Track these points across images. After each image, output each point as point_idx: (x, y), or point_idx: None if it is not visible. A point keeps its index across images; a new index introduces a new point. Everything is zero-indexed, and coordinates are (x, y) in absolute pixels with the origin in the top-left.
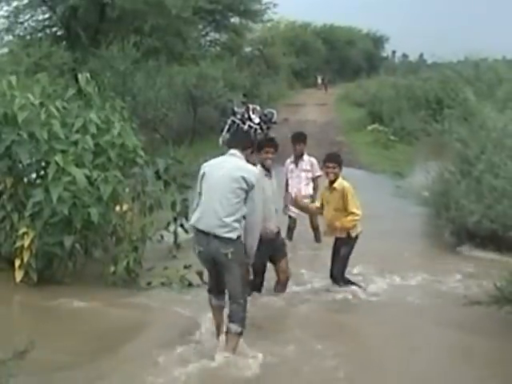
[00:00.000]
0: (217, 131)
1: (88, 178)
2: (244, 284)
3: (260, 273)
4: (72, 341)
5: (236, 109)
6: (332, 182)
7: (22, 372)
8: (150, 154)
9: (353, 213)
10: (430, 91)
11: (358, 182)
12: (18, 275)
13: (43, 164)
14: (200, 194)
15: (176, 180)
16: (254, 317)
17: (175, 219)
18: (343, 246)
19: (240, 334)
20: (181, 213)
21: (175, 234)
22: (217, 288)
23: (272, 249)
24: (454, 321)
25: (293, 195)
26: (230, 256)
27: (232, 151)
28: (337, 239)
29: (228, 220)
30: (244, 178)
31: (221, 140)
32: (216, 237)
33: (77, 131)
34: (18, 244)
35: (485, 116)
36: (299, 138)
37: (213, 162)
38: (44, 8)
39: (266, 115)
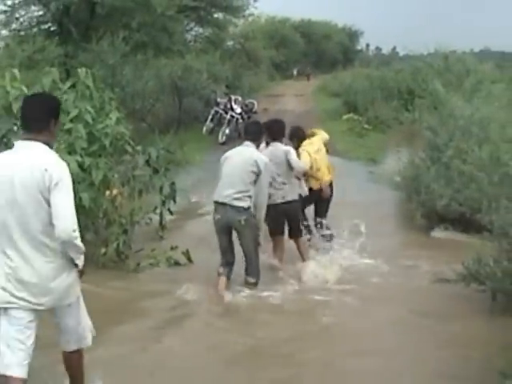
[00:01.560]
0: (201, 120)
1: (80, 164)
2: (255, 245)
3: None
4: None
5: (219, 99)
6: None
7: None
8: (138, 142)
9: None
10: (401, 82)
11: (335, 168)
12: None
13: None
14: (221, 176)
15: (163, 167)
16: None
17: (163, 202)
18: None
19: (255, 283)
20: (168, 196)
21: (161, 215)
22: (225, 259)
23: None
24: (422, 299)
25: None
26: (242, 222)
27: (246, 142)
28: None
29: (241, 195)
30: (257, 163)
31: (204, 129)
32: (232, 207)
33: (71, 120)
34: None
35: (453, 105)
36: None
37: (233, 150)
38: (38, 5)
39: (247, 105)
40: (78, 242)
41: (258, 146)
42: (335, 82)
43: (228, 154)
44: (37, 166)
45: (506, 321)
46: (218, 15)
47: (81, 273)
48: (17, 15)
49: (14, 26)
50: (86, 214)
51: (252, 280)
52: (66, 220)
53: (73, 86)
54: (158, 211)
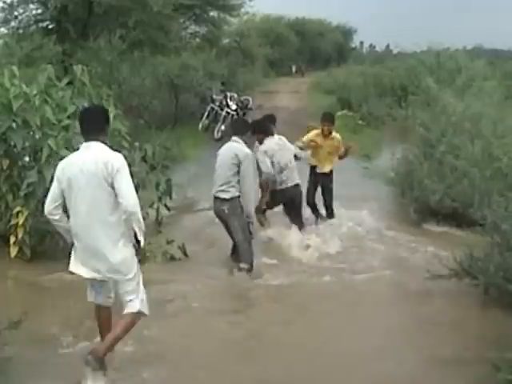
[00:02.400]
0: (197, 117)
1: None
2: (245, 233)
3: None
4: (63, 312)
5: (215, 96)
6: (329, 134)
7: (17, 341)
8: (135, 138)
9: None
10: (395, 79)
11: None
12: (13, 251)
13: (36, 148)
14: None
15: (159, 163)
16: None
17: (160, 198)
18: (331, 181)
19: (249, 269)
20: (165, 192)
21: (157, 211)
22: (233, 247)
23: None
24: (415, 293)
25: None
26: (226, 211)
27: (234, 138)
28: (323, 176)
29: (224, 187)
30: (237, 155)
31: (200, 125)
32: (217, 198)
33: (68, 117)
34: (13, 222)
35: (445, 102)
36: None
37: (223, 146)
38: (36, 3)
39: (242, 102)
40: (140, 216)
41: (245, 142)
42: (329, 79)
43: (220, 150)
44: (100, 160)
45: (499, 314)
46: (214, 13)
47: (138, 250)
48: (15, 13)
49: (12, 24)
50: None
51: (244, 266)
52: (129, 197)
53: (70, 83)
54: (154, 207)
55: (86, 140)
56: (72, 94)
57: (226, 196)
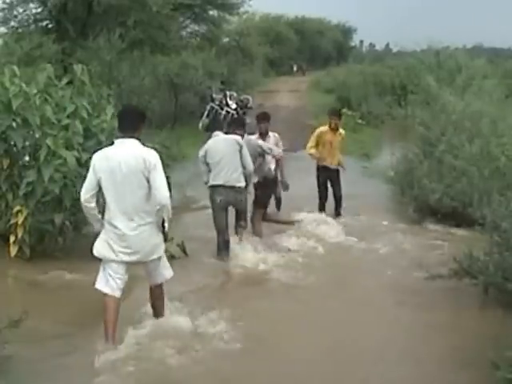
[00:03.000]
0: (196, 116)
1: (77, 159)
2: (246, 209)
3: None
4: (62, 311)
5: (214, 95)
6: (336, 129)
7: (17, 340)
8: None
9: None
10: (395, 78)
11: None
12: (13, 250)
13: (37, 147)
14: (208, 168)
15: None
16: None
17: None
18: (338, 175)
19: (246, 226)
20: None
21: None
22: (223, 237)
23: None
24: (414, 292)
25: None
26: (243, 200)
27: (216, 133)
28: (332, 171)
29: (235, 175)
30: (237, 141)
31: (200, 124)
32: (232, 187)
33: (68, 116)
34: (13, 221)
35: (445, 100)
36: (264, 116)
37: (207, 144)
38: (36, 2)
39: (242, 101)
40: (170, 206)
41: (242, 136)
42: (329, 78)
43: (205, 148)
44: (138, 155)
45: (498, 314)
46: (213, 12)
47: (166, 235)
48: (15, 13)
49: (11, 23)
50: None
51: (244, 224)
52: (163, 189)
53: (70, 82)
54: None
55: (123, 136)
56: (72, 94)
57: (242, 184)
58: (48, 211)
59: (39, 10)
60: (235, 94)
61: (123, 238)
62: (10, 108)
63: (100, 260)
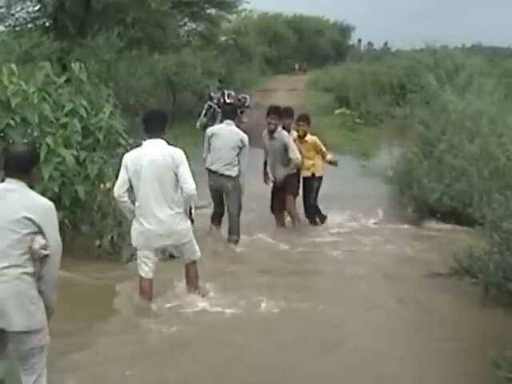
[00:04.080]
0: (194, 115)
1: (76, 158)
2: (239, 208)
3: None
4: (61, 309)
5: (212, 94)
6: (303, 136)
7: None
8: (132, 136)
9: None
10: (393, 77)
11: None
12: None
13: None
14: (209, 148)
15: None
16: None
17: None
18: (312, 188)
19: (237, 240)
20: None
21: None
22: (218, 216)
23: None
24: (415, 292)
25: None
26: (230, 187)
27: (228, 121)
28: (304, 180)
29: (229, 166)
30: (242, 140)
31: (198, 123)
32: (222, 175)
33: (66, 114)
34: None
35: (445, 100)
36: (288, 113)
37: (218, 127)
38: (33, 1)
39: (239, 100)
40: (196, 195)
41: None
42: (327, 77)
43: (214, 129)
44: (166, 153)
45: (498, 313)
46: (211, 11)
47: (192, 220)
48: (12, 11)
49: (9, 21)
50: (81, 206)
51: (235, 237)
52: (190, 182)
53: (68, 80)
54: None
55: (150, 137)
56: (70, 92)
57: (232, 174)
58: None
59: (37, 7)
60: (233, 93)
61: (155, 226)
62: (9, 106)
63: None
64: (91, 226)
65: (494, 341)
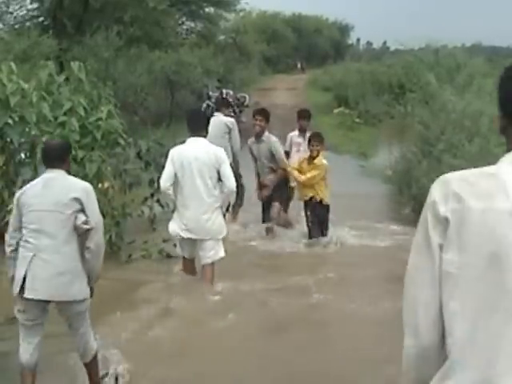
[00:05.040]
0: None
1: (74, 157)
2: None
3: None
4: None
5: (211, 93)
6: (314, 158)
7: (14, 336)
8: (130, 135)
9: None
10: (393, 77)
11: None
12: None
13: (33, 144)
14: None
15: (155, 160)
16: None
17: (152, 195)
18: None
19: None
20: (158, 189)
21: (151, 208)
22: None
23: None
24: None
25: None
26: None
27: (216, 113)
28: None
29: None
30: (226, 124)
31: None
32: None
33: (65, 113)
34: (8, 218)
35: (445, 99)
36: (305, 114)
37: (212, 119)
38: None
39: (238, 99)
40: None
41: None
42: (326, 76)
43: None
44: (209, 151)
45: None
46: (210, 9)
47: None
48: (11, 9)
49: (8, 20)
50: None
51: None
52: (231, 179)
53: (66, 79)
54: (148, 204)
55: (192, 135)
56: (69, 91)
57: None
58: None
59: (35, 5)
60: (231, 92)
61: (195, 220)
62: (8, 105)
63: None
64: None
65: None
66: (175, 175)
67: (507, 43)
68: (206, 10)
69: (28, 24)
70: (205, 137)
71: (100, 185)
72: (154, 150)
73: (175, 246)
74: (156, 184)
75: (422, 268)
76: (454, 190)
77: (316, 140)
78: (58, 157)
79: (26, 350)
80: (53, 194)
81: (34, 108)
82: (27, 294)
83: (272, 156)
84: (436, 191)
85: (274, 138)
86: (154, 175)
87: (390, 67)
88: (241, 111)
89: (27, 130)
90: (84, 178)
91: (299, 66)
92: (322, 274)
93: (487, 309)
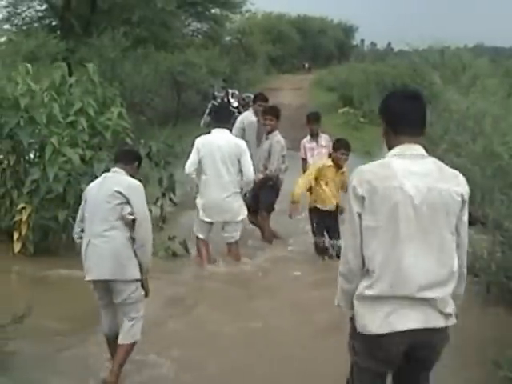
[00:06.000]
0: (199, 114)
1: (81, 157)
2: None
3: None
4: (66, 308)
5: (216, 93)
6: (341, 166)
7: (20, 336)
8: (137, 135)
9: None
10: (397, 77)
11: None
12: (16, 247)
13: (43, 144)
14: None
15: (164, 160)
16: None
17: (163, 194)
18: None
19: None
20: (168, 188)
21: (162, 207)
22: None
23: None
24: None
25: None
26: None
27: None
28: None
29: None
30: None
31: (202, 122)
32: None
33: (74, 113)
34: (17, 218)
35: (448, 99)
36: (315, 118)
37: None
38: (39, 0)
39: (244, 99)
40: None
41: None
42: (331, 76)
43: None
44: (231, 141)
45: (500, 312)
46: (216, 11)
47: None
48: (19, 10)
49: (15, 21)
50: None
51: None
52: (250, 168)
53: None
54: (159, 203)
55: (218, 126)
56: (81, 91)
57: None
58: (52, 208)
59: (43, 7)
60: (237, 92)
61: (217, 203)
62: (18, 106)
63: None
64: None
65: (494, 340)
66: (199, 162)
67: (509, 44)
68: (213, 11)
69: (36, 25)
70: (229, 129)
71: None
72: (164, 150)
73: (181, 244)
74: (164, 183)
75: (349, 227)
76: (366, 177)
77: (345, 148)
78: (123, 159)
79: (105, 325)
80: (105, 188)
81: (45, 108)
82: (87, 277)
83: (268, 156)
84: (355, 179)
85: (277, 139)
86: (162, 174)
87: (395, 67)
88: (246, 111)
89: (37, 131)
90: (92, 177)
91: (306, 66)
92: None
93: (391, 243)
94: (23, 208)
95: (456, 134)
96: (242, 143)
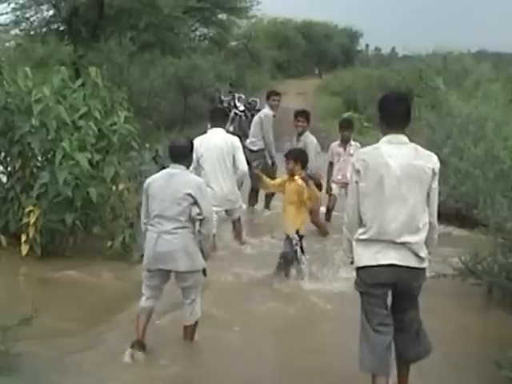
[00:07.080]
0: (205, 118)
1: (89, 160)
2: None
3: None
4: (73, 309)
5: (223, 98)
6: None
7: (28, 337)
8: (144, 139)
9: None
10: (401, 82)
11: None
12: (24, 249)
13: (49, 148)
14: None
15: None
16: None
17: None
18: None
19: None
20: None
21: None
22: None
23: None
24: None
25: (339, 177)
26: None
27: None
28: None
29: None
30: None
31: (208, 126)
32: None
33: (80, 117)
34: (25, 221)
35: (451, 104)
36: (348, 124)
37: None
38: (47, 5)
39: (250, 103)
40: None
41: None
42: (336, 81)
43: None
44: (226, 139)
45: (501, 314)
46: (222, 16)
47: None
48: (27, 15)
49: (24, 25)
50: (93, 208)
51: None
52: (244, 164)
53: (82, 84)
54: None
55: (213, 126)
56: (85, 95)
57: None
58: (59, 211)
59: (51, 12)
60: (243, 96)
61: (218, 194)
62: (30, 112)
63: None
64: (103, 227)
65: (496, 341)
66: (197, 160)
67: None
68: (219, 16)
69: (44, 30)
70: (222, 127)
71: (114, 187)
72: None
73: None
74: None
75: (350, 191)
76: (361, 157)
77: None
78: (181, 154)
79: (146, 299)
80: (173, 188)
81: (53, 113)
82: (151, 267)
83: None
84: (355, 158)
85: (310, 139)
86: None
87: (398, 72)
88: (252, 115)
89: (49, 137)
90: (101, 180)
91: (316, 71)
92: None
93: (378, 202)
94: (31, 211)
95: (459, 138)
96: (236, 140)
